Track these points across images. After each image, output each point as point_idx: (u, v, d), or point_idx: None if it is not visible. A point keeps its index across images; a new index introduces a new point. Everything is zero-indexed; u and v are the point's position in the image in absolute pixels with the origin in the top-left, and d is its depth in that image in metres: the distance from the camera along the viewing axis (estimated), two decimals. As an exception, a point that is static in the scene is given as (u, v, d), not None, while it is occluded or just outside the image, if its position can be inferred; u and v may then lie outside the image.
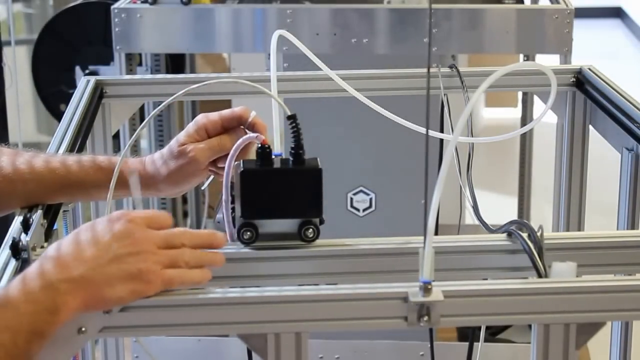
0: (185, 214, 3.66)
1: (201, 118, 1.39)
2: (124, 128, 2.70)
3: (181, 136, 1.39)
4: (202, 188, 1.54)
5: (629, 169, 1.64)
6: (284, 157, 1.26)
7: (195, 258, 1.11)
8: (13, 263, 1.16)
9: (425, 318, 1.07)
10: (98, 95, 1.87)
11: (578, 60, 2.22)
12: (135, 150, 3.22)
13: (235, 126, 1.38)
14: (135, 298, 1.05)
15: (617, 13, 8.85)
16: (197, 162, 1.38)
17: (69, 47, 3.49)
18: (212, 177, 1.45)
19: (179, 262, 1.09)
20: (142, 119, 3.10)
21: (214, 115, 1.38)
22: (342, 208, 2.78)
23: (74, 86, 2.97)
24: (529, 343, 1.14)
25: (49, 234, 1.30)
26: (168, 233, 1.11)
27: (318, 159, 1.24)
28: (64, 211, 1.54)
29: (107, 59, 3.12)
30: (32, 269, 1.04)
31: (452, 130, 1.52)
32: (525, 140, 3.52)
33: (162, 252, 1.08)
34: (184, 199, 3.67)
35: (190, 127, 1.39)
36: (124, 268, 1.05)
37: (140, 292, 1.05)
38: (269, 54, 1.47)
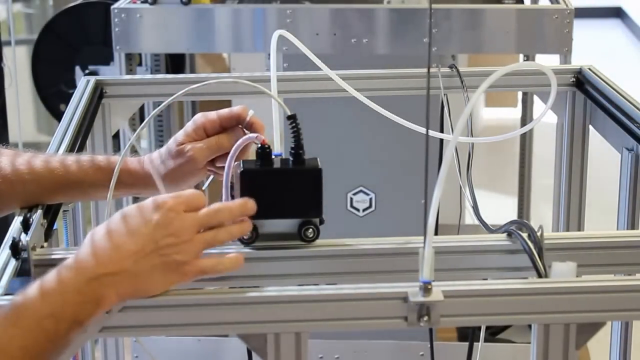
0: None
1: (199, 117, 1.39)
2: (124, 128, 2.70)
3: (179, 135, 1.39)
4: (203, 188, 1.53)
5: (629, 168, 1.64)
6: (283, 157, 1.26)
7: (229, 235, 1.13)
8: (13, 263, 1.16)
9: (425, 318, 1.07)
10: (98, 95, 1.87)
11: (578, 60, 2.22)
12: (135, 150, 3.22)
13: (234, 125, 1.38)
14: (169, 288, 1.08)
15: (617, 13, 8.85)
16: (195, 162, 1.37)
17: (69, 47, 3.49)
18: (212, 177, 1.45)
19: (215, 243, 1.11)
20: (142, 119, 3.11)
21: (212, 115, 1.38)
22: (342, 208, 2.78)
23: (73, 86, 2.96)
24: (529, 343, 1.14)
25: (48, 234, 1.30)
26: (205, 215, 1.11)
27: (318, 159, 1.24)
28: (64, 211, 1.54)
29: (107, 59, 3.12)
30: (81, 258, 1.06)
31: (452, 130, 1.52)
32: (525, 140, 3.52)
33: (200, 239, 1.09)
34: None
35: (189, 126, 1.39)
36: (164, 260, 1.07)
37: (176, 282, 1.08)
38: (269, 54, 1.47)
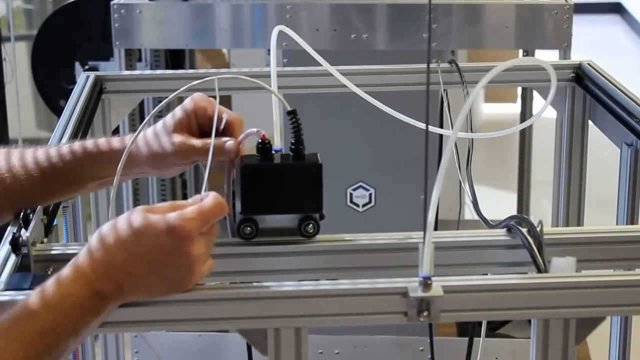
0: (185, 198, 3.66)
1: (189, 104, 1.32)
2: (124, 124, 2.70)
3: (169, 120, 1.32)
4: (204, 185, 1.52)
5: (629, 164, 1.64)
6: (284, 152, 1.26)
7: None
8: (13, 258, 1.17)
9: (425, 313, 1.07)
10: (98, 90, 1.87)
11: (577, 55, 2.22)
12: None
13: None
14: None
15: (616, 9, 8.85)
16: (182, 159, 1.33)
17: (69, 43, 3.49)
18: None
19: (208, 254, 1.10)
20: (141, 115, 3.10)
21: (204, 102, 1.32)
22: (341, 203, 2.78)
23: (73, 82, 2.96)
24: (529, 338, 1.14)
25: (48, 230, 1.30)
26: (211, 239, 1.09)
27: (318, 155, 1.24)
28: (64, 207, 1.54)
29: (107, 55, 3.12)
30: (85, 269, 1.04)
31: (452, 126, 1.52)
32: (525, 136, 3.52)
33: (202, 256, 1.07)
34: (184, 183, 3.67)
35: (178, 111, 1.33)
36: (166, 279, 1.06)
37: (173, 293, 1.07)
38: (269, 50, 1.47)
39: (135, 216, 1.06)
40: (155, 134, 1.32)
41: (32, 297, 1.03)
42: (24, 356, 1.00)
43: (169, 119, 1.32)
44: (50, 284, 1.03)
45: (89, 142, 1.34)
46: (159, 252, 1.05)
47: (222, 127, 1.28)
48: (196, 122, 1.31)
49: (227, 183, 1.27)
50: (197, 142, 1.29)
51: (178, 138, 1.30)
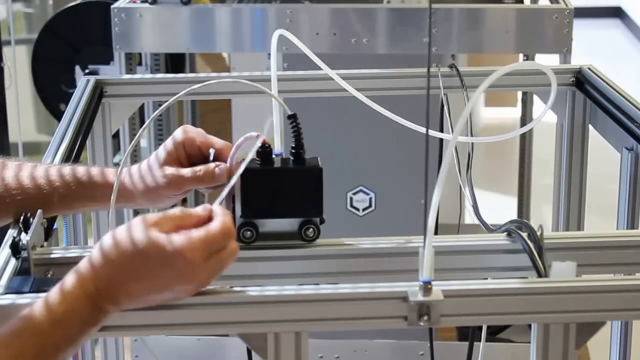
0: (183, 202, 3.66)
1: (179, 134, 1.34)
2: (124, 128, 2.70)
3: (161, 153, 1.34)
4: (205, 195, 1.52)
5: (629, 168, 1.64)
6: (284, 156, 1.26)
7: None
8: (13, 262, 1.16)
9: (425, 318, 1.07)
10: (98, 94, 1.87)
11: (578, 60, 2.22)
12: (134, 151, 3.22)
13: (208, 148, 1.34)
14: None
15: (616, 13, 8.85)
16: (174, 191, 1.34)
17: (69, 47, 3.49)
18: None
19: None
20: (141, 119, 3.10)
21: (193, 133, 1.34)
22: (342, 207, 2.78)
23: (73, 86, 2.97)
24: (529, 343, 1.14)
25: (48, 234, 1.30)
26: (221, 261, 1.07)
27: (318, 159, 1.24)
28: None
29: (107, 59, 3.12)
30: (87, 282, 1.04)
31: (452, 130, 1.52)
32: (525, 140, 3.52)
33: (205, 280, 1.07)
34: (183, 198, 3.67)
35: (168, 143, 1.34)
36: (166, 299, 1.06)
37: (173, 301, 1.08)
38: (269, 54, 1.47)
39: (139, 233, 1.04)
40: (149, 168, 1.35)
41: (34, 311, 1.03)
42: None
43: (161, 151, 1.35)
44: (53, 297, 1.03)
45: (82, 172, 1.35)
46: (161, 275, 1.04)
47: (211, 158, 1.31)
48: (185, 153, 1.33)
49: (227, 188, 1.26)
50: (186, 171, 1.32)
51: (169, 170, 1.32)
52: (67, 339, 1.03)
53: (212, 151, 1.31)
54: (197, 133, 1.34)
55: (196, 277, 1.05)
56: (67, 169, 1.36)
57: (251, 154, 1.19)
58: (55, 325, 1.02)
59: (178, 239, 1.04)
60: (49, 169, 1.36)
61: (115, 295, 1.04)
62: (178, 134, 1.34)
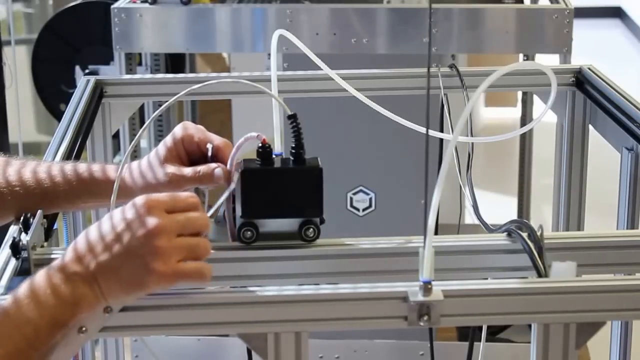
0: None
1: (178, 131, 1.34)
2: (124, 128, 2.70)
3: (161, 150, 1.34)
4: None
5: (629, 168, 1.64)
6: (284, 156, 1.26)
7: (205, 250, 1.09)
8: (13, 262, 1.16)
9: (425, 318, 1.07)
10: (98, 95, 1.87)
11: (578, 60, 2.22)
12: (134, 151, 3.22)
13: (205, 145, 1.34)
14: (155, 284, 1.05)
15: (616, 13, 8.85)
16: (174, 189, 1.33)
17: (69, 47, 3.49)
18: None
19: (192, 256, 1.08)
20: (141, 119, 3.10)
21: (192, 130, 1.34)
22: (342, 208, 2.78)
23: (73, 86, 2.97)
24: (529, 343, 1.14)
25: (49, 234, 1.30)
26: (190, 241, 1.07)
27: (318, 159, 1.24)
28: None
29: (107, 59, 3.12)
30: (57, 260, 1.06)
31: (452, 130, 1.52)
32: (525, 140, 3.52)
33: (177, 248, 1.06)
34: None
35: (168, 140, 1.34)
36: (130, 256, 1.04)
37: (159, 276, 1.05)
38: (269, 54, 1.47)
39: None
40: (149, 165, 1.34)
41: (11, 293, 1.04)
42: (5, 353, 1.00)
43: (161, 148, 1.34)
44: (27, 280, 1.05)
45: (83, 168, 1.36)
46: (121, 224, 1.06)
47: (209, 154, 1.31)
48: (184, 150, 1.33)
49: (227, 189, 1.27)
50: (187, 170, 1.31)
51: (170, 169, 1.32)
52: (44, 315, 1.02)
53: (209, 146, 1.31)
54: (196, 130, 1.34)
55: (155, 219, 1.05)
56: (68, 166, 1.36)
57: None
58: (23, 302, 1.02)
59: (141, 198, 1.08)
60: (50, 166, 1.36)
61: (84, 258, 1.04)
62: (177, 130, 1.34)
